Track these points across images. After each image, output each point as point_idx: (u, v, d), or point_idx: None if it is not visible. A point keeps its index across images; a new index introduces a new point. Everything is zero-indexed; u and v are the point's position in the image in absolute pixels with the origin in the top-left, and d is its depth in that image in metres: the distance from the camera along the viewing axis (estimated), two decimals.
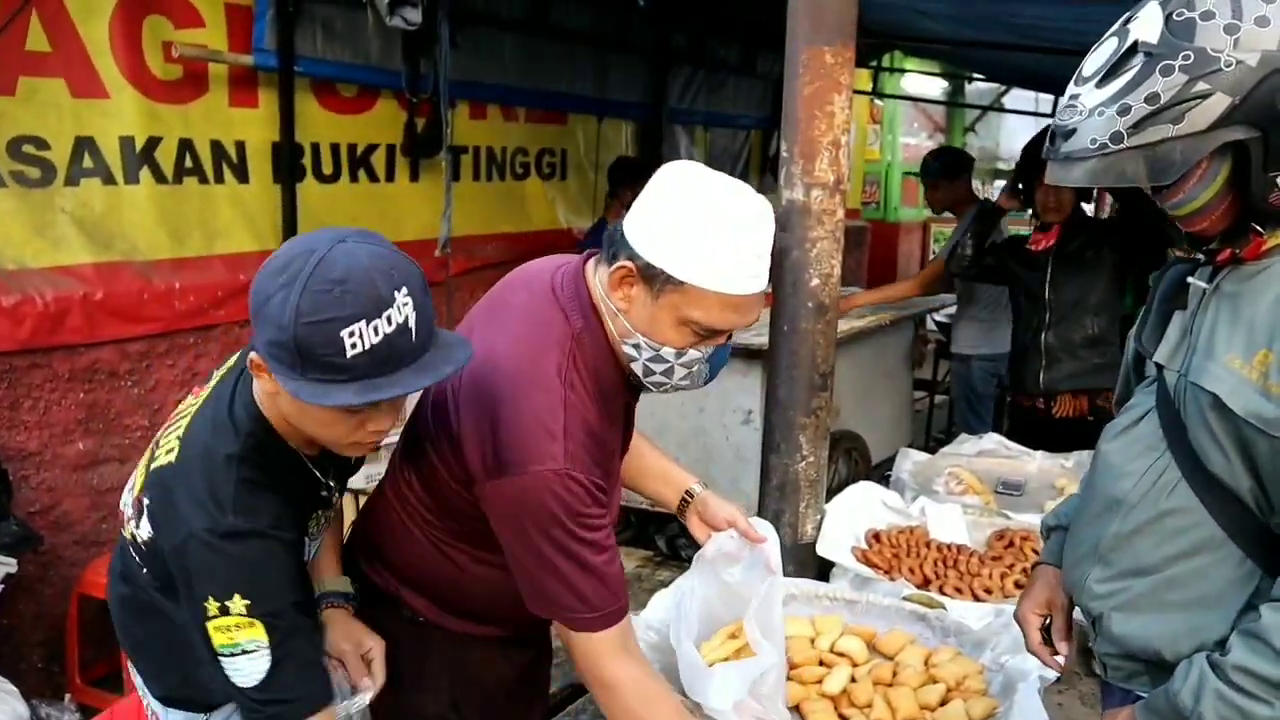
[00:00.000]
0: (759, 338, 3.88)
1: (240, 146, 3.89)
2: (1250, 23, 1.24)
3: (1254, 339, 1.34)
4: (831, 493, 2.95)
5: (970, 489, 3.29)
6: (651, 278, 1.46)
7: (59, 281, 3.29)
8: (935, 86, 10.82)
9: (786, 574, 2.51)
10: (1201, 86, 1.24)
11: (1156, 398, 1.49)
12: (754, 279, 1.46)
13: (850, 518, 2.85)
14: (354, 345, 1.28)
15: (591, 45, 5.55)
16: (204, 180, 3.77)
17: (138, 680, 1.74)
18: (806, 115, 2.39)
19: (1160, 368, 1.49)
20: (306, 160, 4.17)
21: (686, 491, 1.94)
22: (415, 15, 3.65)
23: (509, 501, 1.50)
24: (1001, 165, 13.58)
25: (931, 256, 10.36)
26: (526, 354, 1.53)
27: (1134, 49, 1.29)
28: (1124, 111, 1.28)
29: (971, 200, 4.93)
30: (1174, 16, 1.27)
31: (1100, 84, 1.32)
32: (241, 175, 3.91)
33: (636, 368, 1.55)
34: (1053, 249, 3.72)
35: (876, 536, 2.79)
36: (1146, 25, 1.29)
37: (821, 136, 2.39)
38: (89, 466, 3.46)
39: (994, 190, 12.74)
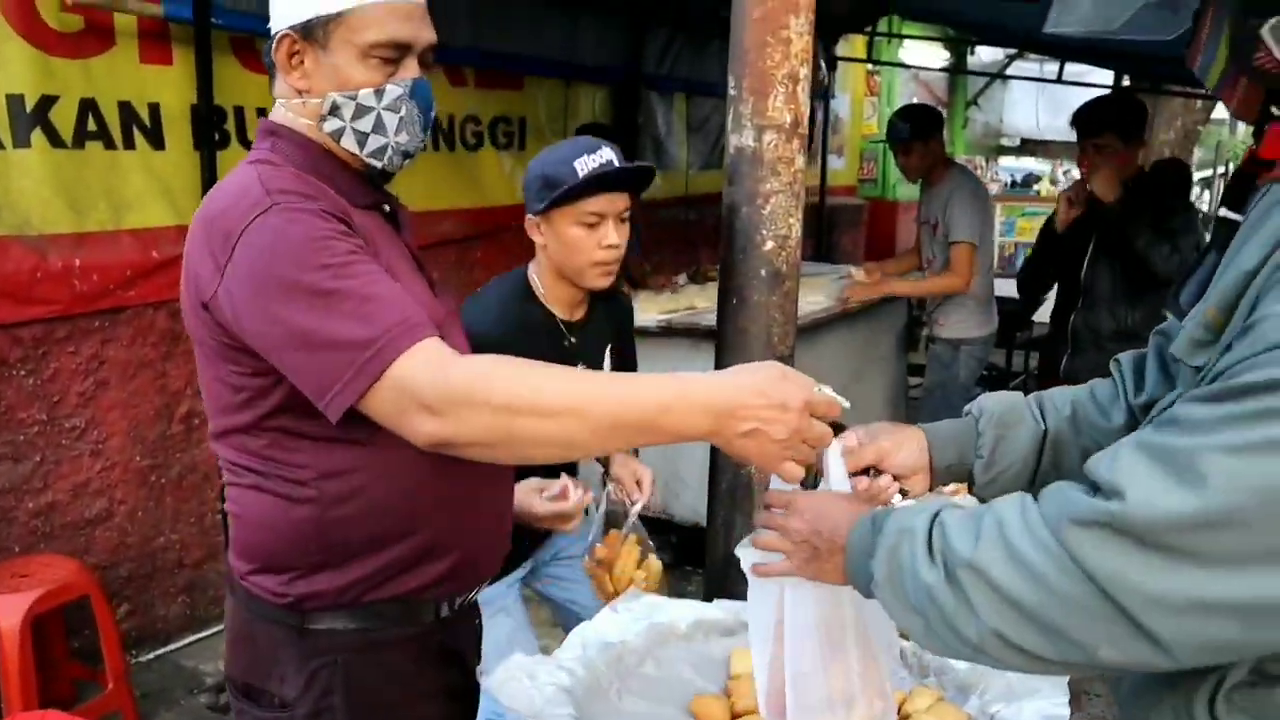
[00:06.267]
0: (708, 317, 3.49)
1: (154, 109, 3.50)
2: None
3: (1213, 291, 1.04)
4: None
5: (962, 490, 2.90)
6: (311, 31, 1.41)
7: None
8: (936, 57, 10.32)
9: (736, 598, 2.13)
10: None
11: None
12: None
13: None
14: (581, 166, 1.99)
15: (559, 3, 5.14)
16: (110, 145, 3.37)
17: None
18: (756, 43, 1.96)
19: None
20: (230, 125, 3.77)
21: None
22: None
23: (243, 274, 1.30)
24: (1005, 141, 13.12)
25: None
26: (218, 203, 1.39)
27: None
28: None
29: (947, 163, 4.47)
30: None
31: None
32: (156, 141, 3.52)
33: (350, 144, 1.46)
34: (1096, 230, 3.49)
35: None
36: None
37: (775, 69, 1.96)
38: None
39: (998, 168, 12.30)
